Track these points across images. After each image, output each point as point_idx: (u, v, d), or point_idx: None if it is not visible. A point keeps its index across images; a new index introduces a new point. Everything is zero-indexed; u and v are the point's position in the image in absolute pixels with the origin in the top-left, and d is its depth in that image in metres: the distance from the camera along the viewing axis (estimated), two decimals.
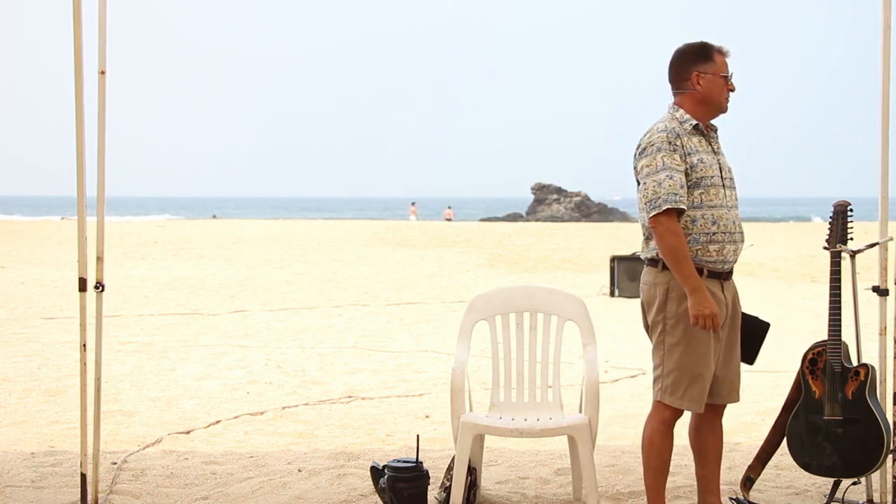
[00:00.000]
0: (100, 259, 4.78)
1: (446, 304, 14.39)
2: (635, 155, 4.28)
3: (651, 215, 4.16)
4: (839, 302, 4.65)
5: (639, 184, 4.27)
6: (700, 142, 4.27)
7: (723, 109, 4.34)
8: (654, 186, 4.14)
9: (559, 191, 56.39)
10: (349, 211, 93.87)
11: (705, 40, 4.37)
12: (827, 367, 4.64)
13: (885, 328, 4.83)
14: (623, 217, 53.49)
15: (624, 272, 15.39)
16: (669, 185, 4.12)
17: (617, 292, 15.34)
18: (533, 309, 5.21)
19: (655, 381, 4.37)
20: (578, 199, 55.41)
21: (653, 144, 4.19)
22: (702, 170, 4.21)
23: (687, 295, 4.17)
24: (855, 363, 4.67)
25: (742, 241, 4.38)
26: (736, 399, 4.49)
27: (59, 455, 5.84)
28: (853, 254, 4.79)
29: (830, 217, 4.77)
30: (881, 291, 4.78)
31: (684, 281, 4.16)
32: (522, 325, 5.21)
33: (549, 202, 55.27)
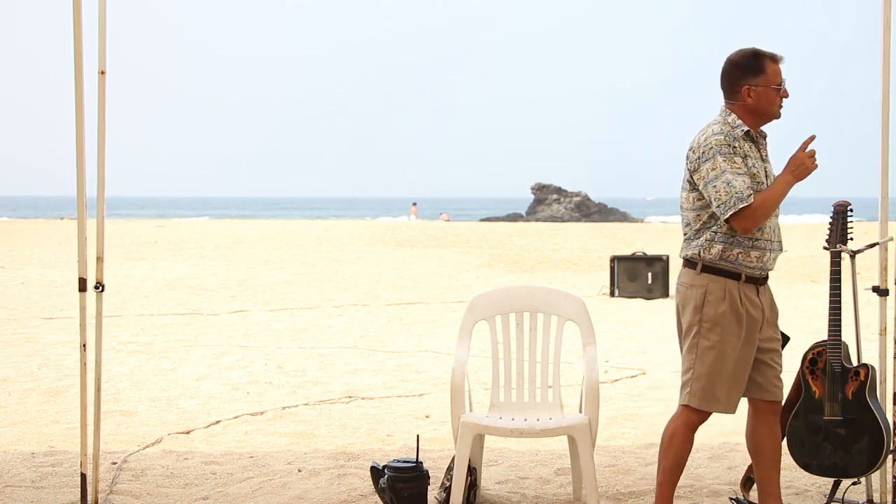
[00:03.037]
0: (100, 259, 4.78)
1: (446, 304, 14.39)
2: (691, 159, 4.27)
3: (728, 216, 4.16)
4: (839, 302, 4.65)
5: (693, 186, 4.27)
6: (751, 148, 4.28)
7: (775, 117, 4.34)
8: (724, 187, 4.15)
9: (559, 191, 56.38)
10: (350, 211, 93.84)
11: (756, 48, 4.33)
12: (827, 367, 4.64)
13: (885, 328, 4.84)
14: (623, 217, 53.49)
15: (624, 272, 15.39)
16: (739, 185, 4.14)
17: (617, 292, 15.34)
18: (533, 309, 5.21)
19: (684, 384, 4.32)
20: (578, 199, 55.40)
21: (711, 147, 4.20)
22: (753, 176, 4.22)
23: (791, 180, 4.23)
24: (855, 363, 4.67)
25: (781, 249, 4.41)
26: (782, 397, 4.50)
27: (59, 455, 5.84)
28: (853, 254, 4.79)
29: (830, 217, 4.78)
30: (881, 291, 4.78)
31: (785, 187, 4.23)
32: (522, 325, 5.21)
33: (549, 202, 55.26)
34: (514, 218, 53.06)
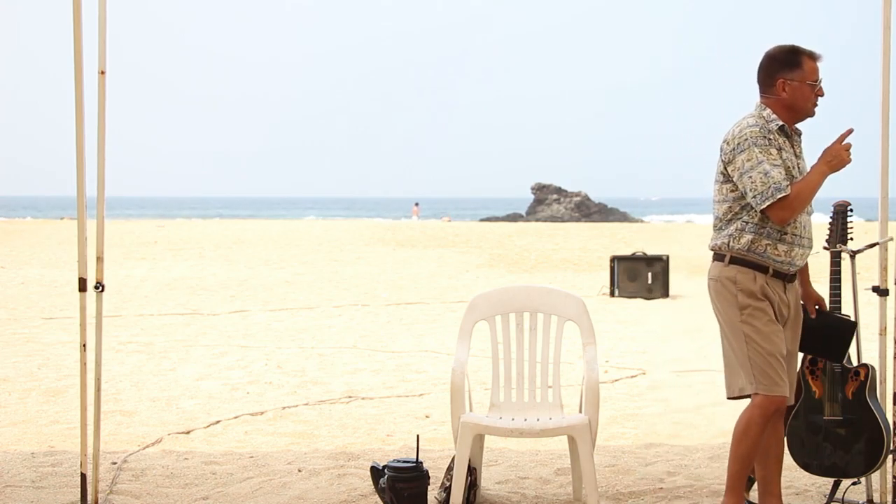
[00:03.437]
0: (100, 259, 4.79)
1: (446, 304, 14.39)
2: (725, 151, 4.28)
3: (765, 206, 4.16)
4: (839, 302, 4.65)
5: (726, 178, 4.27)
6: (784, 143, 4.28)
7: (809, 115, 4.34)
8: (760, 178, 4.15)
9: (559, 191, 56.39)
10: (349, 211, 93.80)
11: (796, 45, 4.34)
12: (827, 368, 4.64)
13: (885, 328, 4.84)
14: (623, 217, 53.48)
15: (624, 272, 15.39)
16: (776, 175, 4.14)
17: (617, 292, 15.34)
18: (533, 309, 5.21)
19: (746, 374, 4.27)
20: (578, 199, 55.41)
21: (746, 139, 4.20)
22: (787, 169, 4.22)
23: (826, 171, 4.22)
24: (855, 363, 4.67)
25: (810, 247, 4.38)
26: (792, 401, 4.48)
27: (59, 455, 5.84)
28: (853, 254, 4.79)
29: (830, 217, 4.78)
30: (881, 291, 4.78)
31: (820, 177, 4.21)
32: (522, 325, 5.21)
33: (549, 202, 55.27)
34: (514, 218, 53.05)
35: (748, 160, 4.18)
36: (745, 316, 4.24)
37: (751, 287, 4.24)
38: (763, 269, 4.25)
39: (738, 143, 4.22)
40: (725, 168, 4.28)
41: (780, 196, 4.13)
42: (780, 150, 4.22)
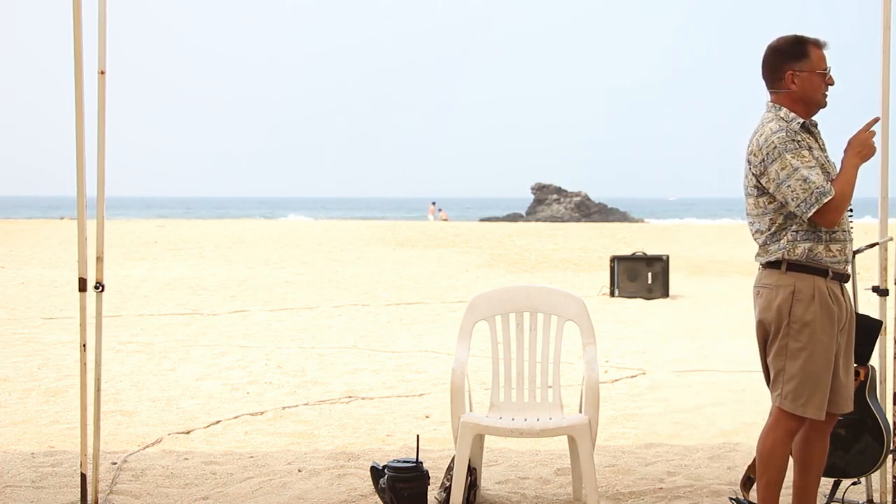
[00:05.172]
0: (100, 259, 4.79)
1: (446, 304, 14.39)
2: (754, 163, 4.09)
3: (812, 213, 4.00)
4: None
5: (761, 191, 4.09)
6: (809, 139, 4.13)
7: (821, 105, 4.19)
8: (800, 185, 3.98)
9: (559, 191, 56.39)
10: (352, 211, 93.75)
11: (799, 34, 4.18)
12: None
13: (885, 328, 4.84)
14: (623, 217, 53.48)
15: (624, 272, 15.39)
16: (816, 179, 3.98)
17: (617, 292, 15.35)
18: (533, 309, 5.21)
19: (775, 386, 4.13)
20: (578, 199, 55.41)
21: (775, 147, 4.02)
22: (821, 167, 4.08)
23: (859, 162, 4.11)
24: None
25: (852, 240, 4.27)
26: (851, 408, 4.29)
27: (59, 455, 5.85)
28: (853, 254, 4.79)
29: None
30: (881, 291, 4.78)
31: (855, 170, 4.09)
32: (522, 325, 5.21)
33: (549, 202, 55.27)
34: (514, 218, 53.06)
35: (782, 169, 4.00)
36: (793, 331, 4.06)
37: (808, 299, 4.05)
38: (823, 272, 4.08)
39: (768, 153, 4.04)
40: (758, 181, 4.09)
41: (826, 200, 3.97)
42: (809, 149, 4.06)
